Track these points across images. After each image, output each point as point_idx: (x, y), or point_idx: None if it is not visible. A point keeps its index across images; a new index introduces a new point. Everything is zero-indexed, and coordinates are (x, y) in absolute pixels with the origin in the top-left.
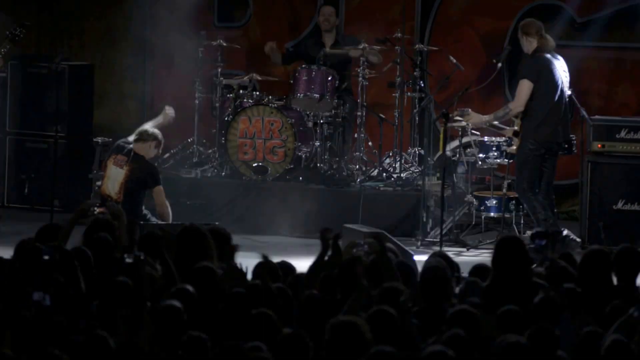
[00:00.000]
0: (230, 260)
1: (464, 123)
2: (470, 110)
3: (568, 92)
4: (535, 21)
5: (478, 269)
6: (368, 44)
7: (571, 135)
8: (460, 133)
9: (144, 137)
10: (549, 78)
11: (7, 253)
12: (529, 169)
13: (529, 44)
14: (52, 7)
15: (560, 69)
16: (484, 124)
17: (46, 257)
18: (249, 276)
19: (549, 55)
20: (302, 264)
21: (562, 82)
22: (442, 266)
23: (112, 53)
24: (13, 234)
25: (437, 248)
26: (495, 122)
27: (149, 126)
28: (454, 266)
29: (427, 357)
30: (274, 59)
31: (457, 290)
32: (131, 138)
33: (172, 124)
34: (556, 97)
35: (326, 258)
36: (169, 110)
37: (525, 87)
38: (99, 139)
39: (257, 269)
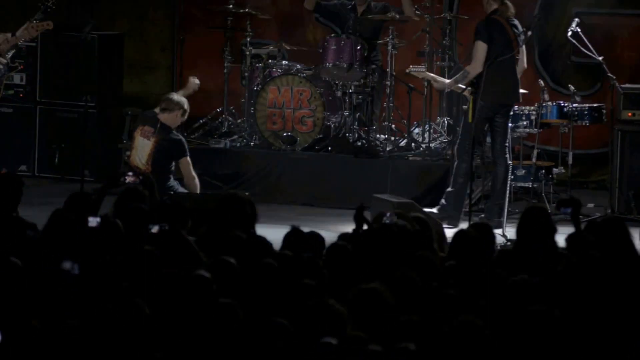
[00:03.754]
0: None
1: (421, 76)
2: (424, 68)
3: (521, 56)
4: None
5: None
6: (397, 14)
7: (522, 92)
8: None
9: (170, 106)
10: (499, 41)
11: (39, 223)
12: (476, 130)
13: (489, 6)
14: None
15: (513, 33)
16: (447, 87)
17: (94, 224)
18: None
19: (502, 20)
20: (331, 235)
21: (512, 46)
22: (474, 235)
23: (141, 23)
24: (44, 204)
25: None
26: (458, 85)
27: (174, 96)
28: (490, 236)
29: (456, 326)
30: (306, 3)
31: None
32: (157, 109)
33: (201, 94)
34: (506, 59)
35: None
36: (194, 80)
37: (480, 49)
38: (129, 110)
39: (288, 238)
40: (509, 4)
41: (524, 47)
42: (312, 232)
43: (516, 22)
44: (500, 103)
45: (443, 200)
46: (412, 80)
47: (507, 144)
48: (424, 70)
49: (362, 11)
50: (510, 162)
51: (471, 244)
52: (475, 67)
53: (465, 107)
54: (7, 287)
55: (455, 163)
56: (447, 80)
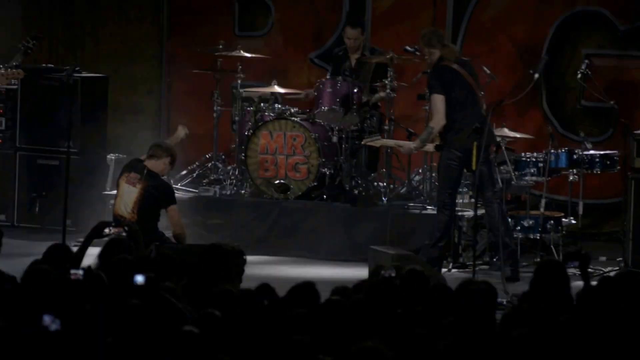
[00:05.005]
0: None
1: (378, 144)
2: (379, 136)
3: (481, 93)
4: (436, 30)
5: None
6: (396, 54)
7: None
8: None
9: (158, 153)
10: (456, 86)
11: (17, 275)
12: (452, 180)
13: (432, 55)
14: (65, 17)
15: (467, 73)
16: (414, 150)
17: (78, 277)
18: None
19: (452, 65)
20: (325, 287)
21: (471, 87)
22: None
23: (127, 64)
24: (23, 255)
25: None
26: (423, 145)
27: (162, 142)
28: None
29: None
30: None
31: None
32: (143, 157)
33: (190, 139)
34: (467, 103)
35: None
36: (182, 128)
37: (438, 101)
38: (113, 156)
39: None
40: (451, 45)
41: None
42: (307, 282)
43: (466, 60)
44: (468, 147)
45: (421, 255)
46: (412, 124)
47: (496, 190)
48: (379, 138)
49: (357, 58)
50: (503, 207)
51: (474, 298)
52: (437, 120)
53: (439, 151)
54: None
55: (437, 218)
56: (413, 143)
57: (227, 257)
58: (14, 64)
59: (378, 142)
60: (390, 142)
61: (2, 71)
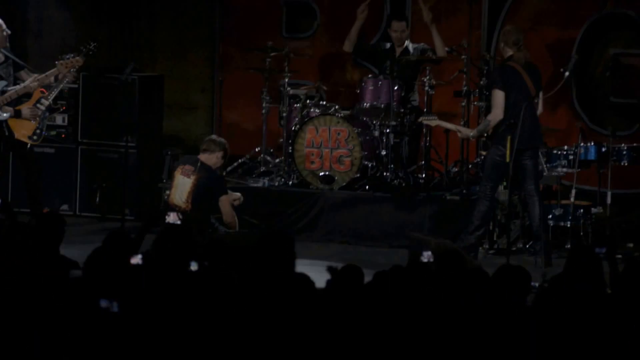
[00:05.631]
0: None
1: (433, 124)
2: (436, 116)
3: (539, 100)
4: (516, 31)
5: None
6: (433, 54)
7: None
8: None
9: (211, 147)
10: (514, 86)
11: (80, 261)
12: (497, 174)
13: (505, 53)
14: (123, 19)
15: (529, 77)
16: (471, 137)
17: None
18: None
19: (516, 66)
20: (367, 272)
21: (529, 92)
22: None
23: (181, 64)
24: (85, 242)
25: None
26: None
27: (215, 137)
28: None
29: None
30: (351, 37)
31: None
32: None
33: (239, 133)
34: (522, 104)
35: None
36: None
37: (498, 96)
38: (169, 150)
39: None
40: (525, 50)
41: (541, 92)
42: (350, 265)
43: (534, 66)
44: (520, 147)
45: (458, 242)
46: (449, 120)
47: (537, 186)
48: (435, 118)
49: (400, 52)
50: (542, 202)
51: (510, 282)
52: (496, 114)
53: (483, 152)
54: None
55: (476, 208)
56: (471, 131)
57: (286, 243)
58: (72, 55)
59: (434, 122)
60: (449, 125)
61: (62, 61)
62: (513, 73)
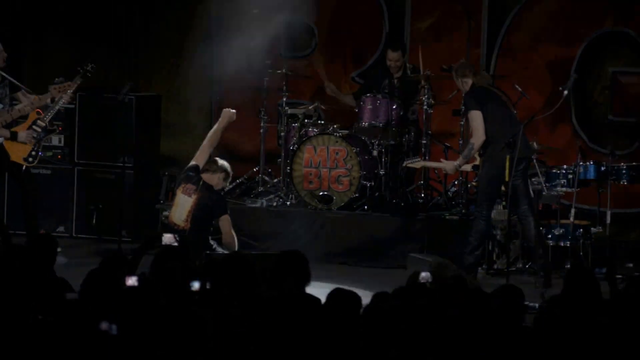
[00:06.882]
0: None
1: (418, 166)
2: (419, 158)
3: (515, 111)
4: (467, 63)
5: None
6: (433, 72)
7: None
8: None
9: (212, 167)
10: (490, 102)
11: (75, 283)
12: (492, 193)
13: (465, 84)
14: (121, 40)
15: (500, 92)
16: (458, 168)
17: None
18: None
19: (482, 84)
20: (365, 294)
21: (504, 103)
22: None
23: (178, 84)
24: (81, 265)
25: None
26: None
27: (219, 160)
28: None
29: None
30: (342, 99)
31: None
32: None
33: (237, 154)
34: (503, 117)
35: None
36: (228, 110)
37: (476, 117)
38: (166, 171)
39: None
40: (483, 73)
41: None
42: (349, 291)
43: (497, 89)
44: (503, 160)
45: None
46: (448, 139)
47: (531, 205)
48: (419, 160)
49: (397, 77)
50: (538, 221)
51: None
52: (478, 137)
53: (477, 171)
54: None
55: (473, 228)
56: (455, 162)
57: (302, 262)
58: (61, 79)
59: (418, 163)
60: (433, 164)
61: (55, 85)
62: (482, 91)
